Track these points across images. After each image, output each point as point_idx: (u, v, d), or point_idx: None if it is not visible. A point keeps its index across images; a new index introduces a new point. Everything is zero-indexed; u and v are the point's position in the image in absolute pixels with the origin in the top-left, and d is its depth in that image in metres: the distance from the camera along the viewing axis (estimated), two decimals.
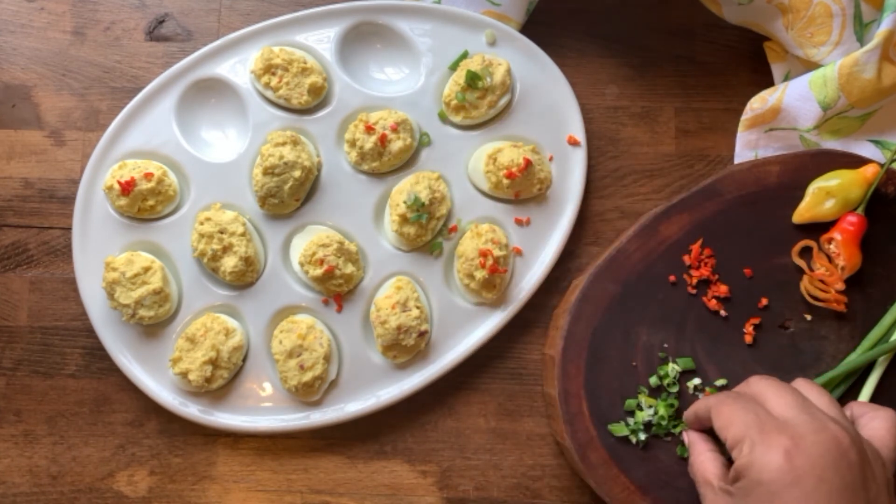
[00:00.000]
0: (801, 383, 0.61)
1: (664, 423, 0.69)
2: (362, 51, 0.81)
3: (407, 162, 0.78)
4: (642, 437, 0.69)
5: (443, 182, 0.78)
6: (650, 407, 0.69)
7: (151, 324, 0.76)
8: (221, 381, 0.75)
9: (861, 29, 0.73)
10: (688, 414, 0.65)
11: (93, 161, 0.78)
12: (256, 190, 0.76)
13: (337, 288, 0.76)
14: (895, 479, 0.55)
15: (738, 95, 0.80)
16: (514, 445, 0.77)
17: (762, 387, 0.58)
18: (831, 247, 0.70)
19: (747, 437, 0.53)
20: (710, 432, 0.63)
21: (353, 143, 0.77)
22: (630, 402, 0.70)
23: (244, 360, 0.76)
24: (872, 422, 0.58)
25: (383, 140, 0.75)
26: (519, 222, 0.78)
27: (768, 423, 0.54)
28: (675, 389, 0.70)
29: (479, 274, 0.74)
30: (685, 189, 0.76)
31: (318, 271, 0.74)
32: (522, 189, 0.77)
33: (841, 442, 0.52)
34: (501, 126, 0.79)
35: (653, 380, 0.70)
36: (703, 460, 0.60)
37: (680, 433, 0.69)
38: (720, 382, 0.70)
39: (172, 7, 0.84)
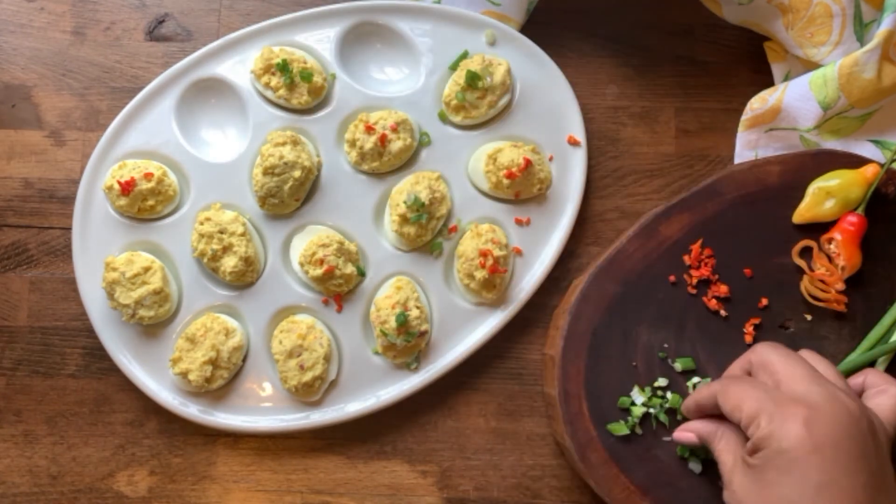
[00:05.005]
0: (807, 354, 0.61)
1: (659, 402, 0.69)
2: (362, 51, 0.81)
3: (407, 162, 0.78)
4: (640, 431, 0.69)
5: (443, 182, 0.78)
6: (640, 396, 0.69)
7: (151, 324, 0.76)
8: (221, 381, 0.75)
9: (861, 29, 0.73)
10: (687, 403, 0.65)
11: (93, 161, 0.78)
12: (256, 190, 0.76)
13: (337, 288, 0.76)
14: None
15: (738, 95, 0.80)
16: (514, 445, 0.77)
17: (771, 357, 0.59)
18: (831, 247, 0.70)
19: (764, 411, 0.54)
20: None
21: (353, 143, 0.77)
22: (624, 400, 0.70)
23: (244, 360, 0.76)
24: (879, 396, 0.59)
25: (383, 140, 0.75)
26: (519, 222, 0.78)
27: (781, 395, 0.55)
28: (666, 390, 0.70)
29: (480, 274, 0.74)
30: (685, 189, 0.76)
31: (318, 271, 0.74)
32: (522, 189, 0.77)
33: (853, 412, 0.53)
34: (501, 126, 0.79)
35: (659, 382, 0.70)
36: (730, 439, 0.59)
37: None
38: None
39: (172, 7, 0.84)
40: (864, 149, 0.76)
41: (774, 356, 0.59)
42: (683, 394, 0.70)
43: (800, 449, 0.51)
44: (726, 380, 0.61)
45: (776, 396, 0.55)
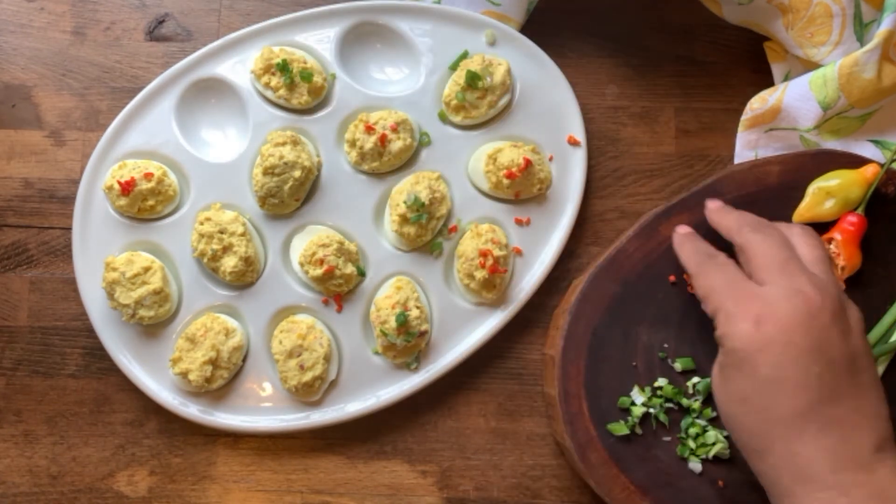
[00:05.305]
0: (796, 232, 0.63)
1: (659, 402, 0.69)
2: (362, 51, 0.81)
3: (407, 162, 0.78)
4: (640, 431, 0.69)
5: (443, 182, 0.78)
6: (640, 396, 0.69)
7: (151, 324, 0.76)
8: (221, 381, 0.75)
9: (861, 29, 0.73)
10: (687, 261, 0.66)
11: (93, 161, 0.78)
12: (256, 190, 0.76)
13: (337, 288, 0.76)
14: None
15: (738, 95, 0.80)
16: (514, 445, 0.77)
17: (751, 241, 0.60)
18: (831, 247, 0.70)
19: (721, 309, 0.57)
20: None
21: (353, 143, 0.77)
22: (624, 400, 0.70)
23: (244, 360, 0.76)
24: None
25: (383, 140, 0.75)
26: (519, 222, 0.78)
27: (742, 290, 0.57)
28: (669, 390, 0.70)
29: (480, 274, 0.74)
30: (685, 189, 0.76)
31: (318, 271, 0.74)
32: (522, 189, 0.77)
33: (812, 305, 0.54)
34: (501, 126, 0.79)
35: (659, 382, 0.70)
36: None
37: (682, 430, 0.70)
38: None
39: (172, 7, 0.84)
40: (864, 149, 0.76)
41: (755, 240, 0.60)
42: (685, 394, 0.70)
43: (748, 348, 0.54)
44: (703, 258, 0.62)
45: (738, 292, 0.57)
